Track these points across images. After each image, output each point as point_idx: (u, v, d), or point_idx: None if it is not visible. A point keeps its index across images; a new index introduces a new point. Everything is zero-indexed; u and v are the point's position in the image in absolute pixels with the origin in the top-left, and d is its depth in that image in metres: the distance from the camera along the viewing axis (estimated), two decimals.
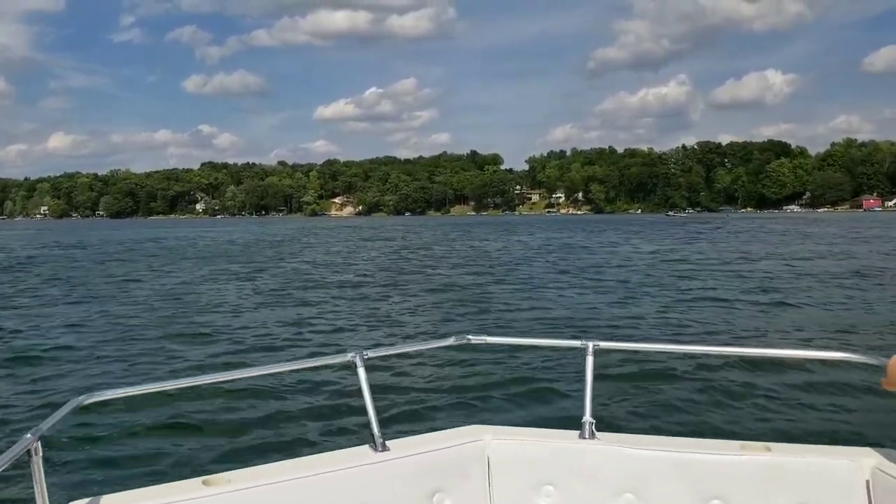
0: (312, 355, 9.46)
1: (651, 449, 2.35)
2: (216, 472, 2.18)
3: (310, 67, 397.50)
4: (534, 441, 2.47)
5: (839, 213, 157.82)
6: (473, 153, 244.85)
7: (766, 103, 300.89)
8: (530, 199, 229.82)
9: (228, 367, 10.15)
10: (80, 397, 2.04)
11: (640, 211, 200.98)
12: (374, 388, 2.45)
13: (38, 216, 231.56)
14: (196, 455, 6.88)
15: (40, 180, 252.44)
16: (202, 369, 9.80)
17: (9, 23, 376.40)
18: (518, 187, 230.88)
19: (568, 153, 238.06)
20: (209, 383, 2.54)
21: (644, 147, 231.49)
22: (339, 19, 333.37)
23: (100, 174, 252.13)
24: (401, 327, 14.96)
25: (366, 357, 2.50)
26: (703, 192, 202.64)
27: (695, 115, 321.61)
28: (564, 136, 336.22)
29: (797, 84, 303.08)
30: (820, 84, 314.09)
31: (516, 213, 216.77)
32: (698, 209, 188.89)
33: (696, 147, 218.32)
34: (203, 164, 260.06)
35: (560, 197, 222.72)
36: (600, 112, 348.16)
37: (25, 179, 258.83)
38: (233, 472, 2.19)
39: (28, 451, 1.70)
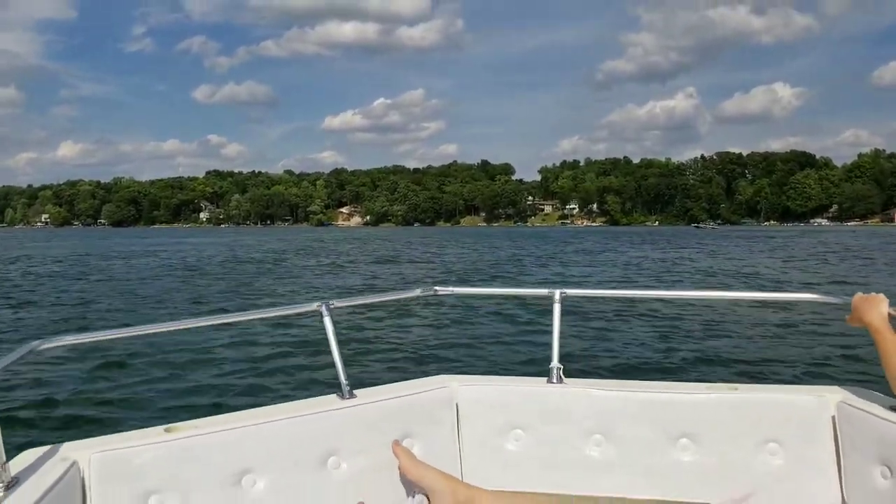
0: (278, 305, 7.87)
1: (619, 390, 2.36)
2: (179, 421, 2.13)
3: (318, 78, 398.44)
4: (501, 387, 2.46)
5: (872, 226, 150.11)
6: (484, 163, 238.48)
7: (773, 116, 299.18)
8: (542, 210, 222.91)
9: (193, 315, 9.70)
10: (35, 342, 1.99)
11: (657, 223, 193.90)
12: (341, 339, 2.43)
13: (38, 224, 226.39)
14: (158, 402, 6.70)
15: (43, 188, 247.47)
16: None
17: (21, 31, 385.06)
18: (530, 198, 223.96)
19: (581, 163, 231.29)
20: (171, 330, 2.42)
21: (660, 158, 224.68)
22: (347, 30, 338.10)
23: (102, 182, 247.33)
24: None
25: (332, 305, 2.47)
26: (723, 203, 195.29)
27: (703, 128, 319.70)
28: (572, 147, 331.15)
29: (805, 97, 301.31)
30: (828, 97, 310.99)
31: (528, 224, 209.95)
32: (718, 222, 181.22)
33: (714, 157, 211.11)
34: (208, 173, 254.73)
35: (574, 208, 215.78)
36: (608, 124, 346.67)
37: (28, 187, 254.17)
38: (197, 420, 2.14)
39: None
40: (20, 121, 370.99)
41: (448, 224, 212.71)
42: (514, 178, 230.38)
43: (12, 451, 1.77)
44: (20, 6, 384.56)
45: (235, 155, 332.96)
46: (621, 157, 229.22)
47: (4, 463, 1.69)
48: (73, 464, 1.83)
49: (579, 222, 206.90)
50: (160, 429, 2.05)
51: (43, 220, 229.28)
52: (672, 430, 2.27)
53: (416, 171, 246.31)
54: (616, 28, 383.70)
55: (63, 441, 1.98)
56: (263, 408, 2.28)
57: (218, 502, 1.98)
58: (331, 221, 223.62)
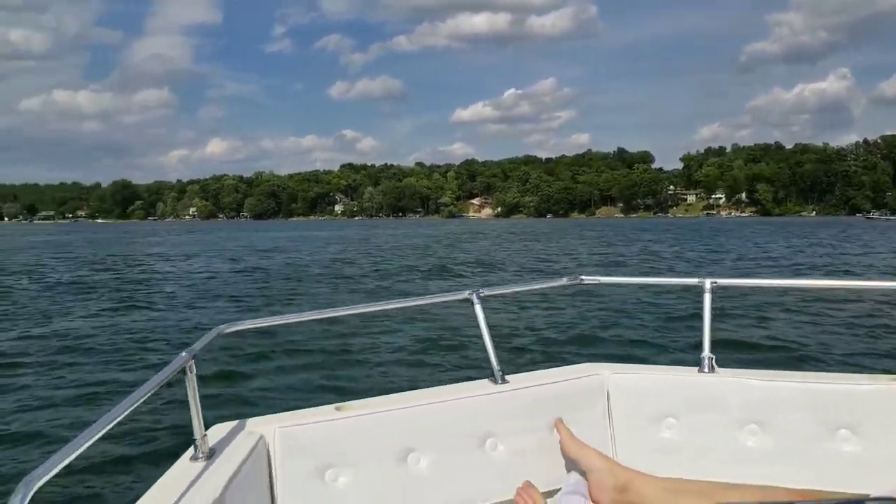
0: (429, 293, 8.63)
1: (774, 380, 2.31)
2: (346, 400, 2.30)
3: (448, 70, 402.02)
4: (652, 376, 2.47)
5: None
6: (621, 151, 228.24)
7: None
8: (685, 199, 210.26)
9: (355, 302, 11.06)
10: (223, 325, 2.21)
11: (814, 213, 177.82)
12: (491, 327, 2.49)
13: (186, 217, 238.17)
14: (328, 383, 7.28)
15: (191, 182, 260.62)
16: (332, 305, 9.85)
17: (172, 35, 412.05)
18: (671, 188, 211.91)
19: (728, 150, 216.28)
20: (337, 316, 2.64)
21: (815, 143, 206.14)
22: (478, 22, 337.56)
23: (245, 176, 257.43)
24: None
25: (482, 294, 2.55)
26: (889, 192, 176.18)
27: (857, 111, 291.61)
28: (712, 134, 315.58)
29: None
30: None
31: (670, 215, 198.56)
32: (885, 211, 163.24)
33: (879, 141, 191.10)
34: (342, 166, 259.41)
35: (720, 198, 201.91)
36: (751, 109, 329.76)
37: (178, 182, 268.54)
38: (364, 399, 2.31)
39: (183, 369, 1.86)
40: (172, 121, 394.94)
41: (583, 215, 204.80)
42: (652, 166, 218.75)
43: (208, 426, 1.96)
44: (172, 13, 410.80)
45: (369, 149, 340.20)
46: (772, 143, 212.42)
47: (204, 436, 1.88)
48: (261, 438, 2.02)
49: (725, 213, 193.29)
50: (331, 407, 2.22)
51: (191, 213, 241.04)
52: (831, 420, 2.21)
53: (548, 160, 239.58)
54: (760, 8, 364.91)
55: (247, 417, 2.16)
56: (423, 390, 2.41)
57: (386, 478, 2.12)
58: (461, 213, 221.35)
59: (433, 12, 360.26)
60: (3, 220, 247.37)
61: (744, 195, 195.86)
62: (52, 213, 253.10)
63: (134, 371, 8.62)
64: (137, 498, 1.66)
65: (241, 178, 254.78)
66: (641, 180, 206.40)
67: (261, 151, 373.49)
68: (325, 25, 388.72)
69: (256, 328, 2.44)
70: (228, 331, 2.23)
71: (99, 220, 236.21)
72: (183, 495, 1.66)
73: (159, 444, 5.56)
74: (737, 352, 7.60)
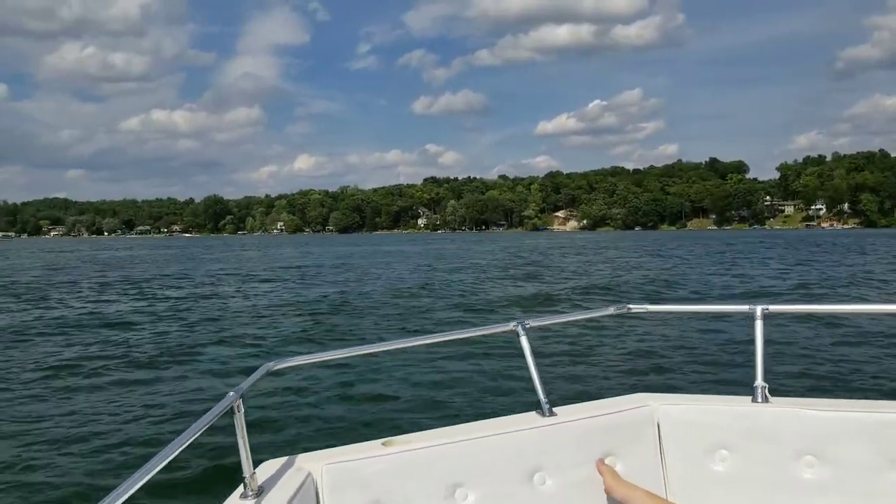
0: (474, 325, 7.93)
1: (831, 410, 2.22)
2: (393, 434, 2.30)
3: (531, 83, 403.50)
4: (704, 406, 2.40)
5: None
6: (713, 161, 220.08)
7: None
8: (783, 211, 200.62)
9: (401, 336, 10.84)
10: (271, 363, 2.22)
11: None
12: (537, 355, 2.48)
13: (274, 231, 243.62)
14: (374, 417, 7.38)
15: (279, 197, 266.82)
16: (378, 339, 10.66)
17: (262, 55, 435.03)
18: (767, 198, 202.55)
19: (828, 158, 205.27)
20: (383, 350, 2.63)
21: None
22: (562, 33, 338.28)
23: (330, 191, 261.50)
24: None
25: (527, 325, 2.53)
26: None
27: None
28: (809, 143, 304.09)
29: None
30: None
31: (766, 226, 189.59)
32: None
33: None
34: (425, 180, 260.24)
35: (820, 209, 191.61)
36: (850, 116, 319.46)
37: (266, 196, 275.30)
38: (410, 434, 2.30)
39: (231, 408, 1.88)
40: (262, 138, 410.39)
41: (673, 227, 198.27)
42: (746, 176, 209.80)
43: (256, 463, 1.99)
44: (262, 34, 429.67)
45: (452, 162, 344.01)
46: (875, 151, 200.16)
47: (252, 474, 1.90)
48: (308, 475, 2.04)
49: (826, 224, 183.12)
50: (378, 442, 2.21)
51: (278, 227, 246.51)
52: (891, 451, 2.13)
53: (635, 172, 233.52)
54: (858, 11, 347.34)
55: (294, 451, 2.20)
56: (468, 424, 2.38)
57: None
58: (546, 226, 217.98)
59: (515, 25, 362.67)
60: (104, 234, 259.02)
61: (846, 206, 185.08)
62: (147, 227, 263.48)
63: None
64: None
65: (326, 192, 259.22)
66: (736, 191, 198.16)
67: (346, 166, 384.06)
68: (409, 42, 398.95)
69: (304, 364, 2.45)
70: (277, 367, 2.24)
71: (190, 235, 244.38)
72: None
73: (210, 483, 5.68)
74: (791, 380, 7.38)
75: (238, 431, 1.88)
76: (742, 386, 2.40)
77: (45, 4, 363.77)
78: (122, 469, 6.18)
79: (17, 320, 16.93)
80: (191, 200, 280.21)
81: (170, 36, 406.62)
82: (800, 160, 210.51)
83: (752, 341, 2.41)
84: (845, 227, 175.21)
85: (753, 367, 2.38)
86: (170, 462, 1.54)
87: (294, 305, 19.45)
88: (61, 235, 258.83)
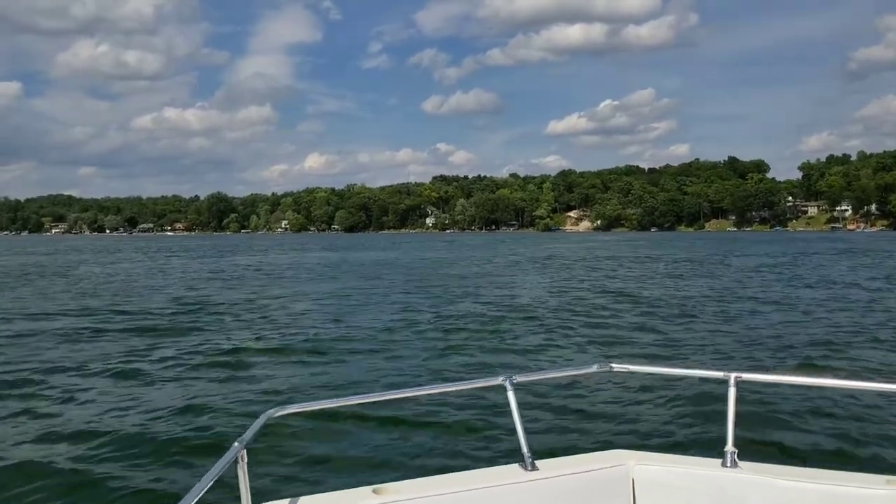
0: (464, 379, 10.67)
1: (794, 479, 2.34)
2: (381, 482, 2.44)
3: (542, 83, 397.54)
4: (677, 467, 2.53)
5: None
6: (732, 160, 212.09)
7: None
8: (805, 212, 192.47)
9: (391, 388, 11.02)
10: (271, 410, 2.39)
11: None
12: (521, 406, 2.62)
13: (279, 230, 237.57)
14: (364, 464, 7.71)
15: (285, 195, 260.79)
16: (371, 388, 11.09)
17: (274, 54, 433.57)
18: (790, 199, 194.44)
19: (853, 157, 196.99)
20: (378, 400, 2.91)
21: None
22: (573, 33, 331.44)
23: (336, 189, 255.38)
24: None
25: (514, 381, 2.67)
26: None
27: None
28: (821, 144, 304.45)
29: None
30: None
31: (789, 228, 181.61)
32: None
33: None
34: (434, 178, 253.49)
35: (846, 210, 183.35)
36: (862, 118, 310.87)
37: (272, 194, 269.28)
38: (399, 482, 2.42)
39: (236, 459, 1.97)
40: (274, 136, 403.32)
41: (691, 228, 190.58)
42: (767, 175, 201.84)
43: None
44: (274, 33, 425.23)
45: (463, 162, 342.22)
46: None
47: None
48: None
49: (853, 226, 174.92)
50: (369, 489, 2.34)
51: (283, 226, 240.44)
52: None
53: (651, 171, 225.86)
54: (870, 12, 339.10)
55: (288, 496, 2.33)
56: (456, 474, 2.54)
57: None
58: (558, 226, 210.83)
59: (527, 25, 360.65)
60: (105, 231, 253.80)
61: (874, 206, 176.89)
62: (150, 225, 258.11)
63: None
64: None
65: (332, 190, 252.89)
66: (757, 191, 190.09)
67: (357, 165, 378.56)
68: (421, 41, 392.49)
69: (302, 412, 2.62)
70: (277, 415, 2.37)
71: (193, 233, 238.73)
72: None
73: None
74: (760, 445, 7.59)
75: (241, 480, 1.98)
76: (714, 447, 2.51)
77: (59, 2, 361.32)
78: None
79: None
80: (196, 198, 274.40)
81: (183, 35, 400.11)
82: (813, 160, 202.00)
83: (724, 406, 2.54)
84: (873, 229, 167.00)
85: (725, 432, 2.49)
86: None
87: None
88: (62, 233, 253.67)
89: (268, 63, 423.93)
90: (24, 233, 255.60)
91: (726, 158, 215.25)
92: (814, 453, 7.71)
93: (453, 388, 3.23)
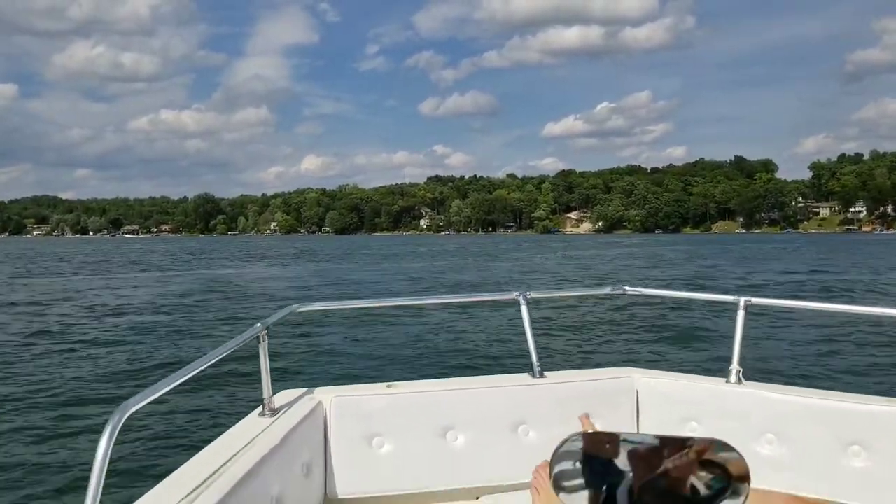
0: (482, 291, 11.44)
1: (795, 395, 2.43)
2: (397, 379, 2.60)
3: (539, 85, 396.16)
4: (681, 382, 2.61)
5: None
6: (739, 159, 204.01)
7: None
8: (817, 213, 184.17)
9: (413, 294, 12.93)
10: (295, 305, 2.55)
11: None
12: (534, 325, 2.70)
13: (267, 232, 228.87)
14: (382, 363, 8.10)
15: (274, 196, 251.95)
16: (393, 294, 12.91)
17: (272, 56, 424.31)
18: (800, 199, 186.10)
19: (865, 156, 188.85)
20: (399, 305, 3.02)
21: None
22: (570, 35, 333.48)
23: (328, 189, 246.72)
24: None
25: (528, 296, 2.77)
26: None
27: None
28: (817, 146, 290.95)
29: None
30: None
31: (800, 230, 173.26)
32: None
33: None
34: (429, 178, 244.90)
35: (860, 211, 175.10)
36: (858, 120, 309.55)
37: (262, 195, 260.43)
38: (412, 381, 2.61)
39: (257, 337, 2.15)
40: (271, 138, 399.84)
41: (697, 230, 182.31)
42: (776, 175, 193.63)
43: (275, 389, 2.32)
44: (271, 35, 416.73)
45: (460, 164, 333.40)
46: None
47: (271, 397, 2.23)
48: (319, 403, 2.35)
49: (868, 228, 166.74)
50: (383, 385, 2.51)
51: (272, 227, 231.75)
52: (845, 436, 2.31)
53: (654, 171, 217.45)
54: (868, 14, 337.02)
55: (311, 385, 2.50)
56: (466, 377, 2.69)
57: (426, 449, 2.40)
58: (557, 228, 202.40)
59: (524, 27, 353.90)
60: (89, 233, 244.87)
61: (889, 207, 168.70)
62: (136, 227, 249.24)
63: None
64: (210, 441, 1.96)
65: (323, 191, 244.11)
66: (766, 191, 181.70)
67: (354, 167, 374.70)
68: (418, 43, 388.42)
69: (325, 309, 2.78)
70: (301, 310, 2.53)
71: (180, 235, 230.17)
72: (249, 443, 1.95)
73: (234, 400, 6.42)
74: (767, 366, 7.56)
75: (262, 358, 2.15)
76: (723, 368, 2.57)
77: (55, 4, 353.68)
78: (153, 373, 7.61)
79: None
80: (184, 199, 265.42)
81: (180, 36, 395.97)
82: (835, 158, 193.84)
83: (733, 328, 2.59)
84: (889, 231, 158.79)
85: (731, 351, 2.56)
86: (202, 376, 1.87)
87: None
88: (44, 235, 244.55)
89: (265, 65, 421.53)
90: (4, 235, 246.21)
91: (732, 158, 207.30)
92: (818, 376, 7.66)
93: (469, 300, 3.41)
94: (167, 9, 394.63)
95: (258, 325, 2.20)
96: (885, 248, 64.40)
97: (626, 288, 2.97)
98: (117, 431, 1.40)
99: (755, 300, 2.66)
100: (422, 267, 39.35)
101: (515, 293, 2.76)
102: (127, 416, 1.45)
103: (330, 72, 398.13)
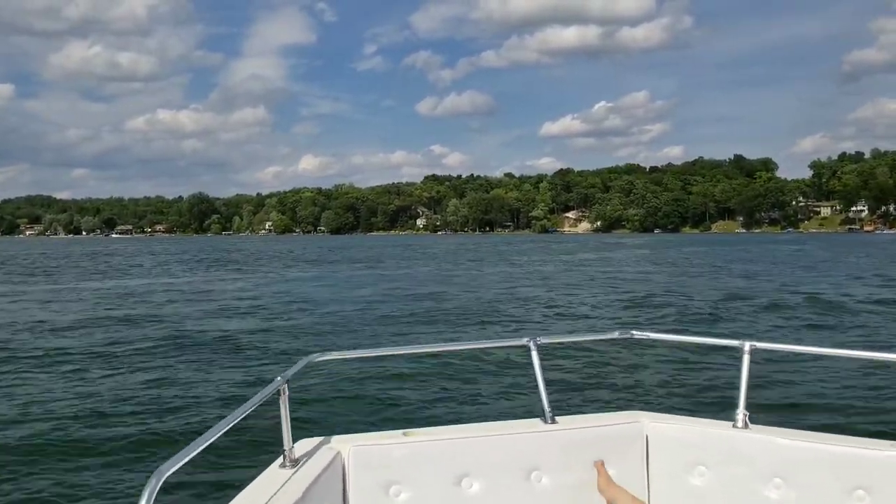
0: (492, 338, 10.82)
1: (801, 440, 2.46)
2: (412, 427, 2.66)
3: (536, 84, 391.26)
4: (689, 426, 2.65)
5: None
6: (738, 158, 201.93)
7: None
8: (818, 212, 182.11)
9: (428, 341, 12.38)
10: (314, 355, 2.61)
11: None
12: (544, 370, 2.76)
13: (262, 232, 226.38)
14: (398, 410, 8.30)
15: (270, 195, 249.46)
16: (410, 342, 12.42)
17: (269, 56, 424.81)
18: (800, 199, 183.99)
19: (866, 155, 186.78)
20: (411, 353, 3.14)
21: None
22: (568, 35, 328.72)
23: (323, 188, 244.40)
24: None
25: (539, 342, 2.83)
26: None
27: None
28: (813, 146, 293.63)
29: None
30: None
31: (801, 230, 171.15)
32: None
33: None
34: (426, 178, 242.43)
35: (862, 210, 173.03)
36: (855, 120, 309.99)
37: (257, 195, 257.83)
38: (427, 428, 2.67)
39: (278, 391, 2.20)
40: (268, 138, 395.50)
41: (697, 230, 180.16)
42: (776, 174, 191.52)
43: (294, 437, 2.34)
44: (268, 35, 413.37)
45: (457, 164, 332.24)
46: None
47: (291, 448, 2.28)
48: (338, 454, 2.38)
49: (870, 228, 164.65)
50: (399, 432, 2.57)
51: (267, 227, 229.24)
52: (850, 482, 2.34)
53: (653, 170, 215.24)
54: (865, 14, 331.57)
55: (328, 434, 2.54)
56: (480, 423, 2.76)
57: (442, 497, 2.44)
58: (555, 228, 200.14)
59: (521, 26, 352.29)
60: (82, 233, 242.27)
61: (892, 207, 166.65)
62: (129, 227, 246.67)
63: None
64: (234, 496, 2.01)
65: (319, 190, 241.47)
66: (766, 190, 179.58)
67: (351, 167, 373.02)
68: (416, 43, 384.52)
69: (342, 359, 2.92)
70: (318, 359, 2.61)
71: (174, 235, 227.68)
72: (272, 497, 2.00)
73: (255, 453, 6.44)
74: (772, 411, 7.79)
75: (282, 410, 2.20)
76: (728, 411, 2.62)
77: (52, 3, 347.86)
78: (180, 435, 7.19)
79: None
80: (179, 199, 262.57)
81: (177, 36, 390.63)
82: (835, 157, 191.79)
83: (739, 373, 2.65)
84: (891, 231, 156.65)
85: (737, 396, 2.60)
86: (224, 434, 1.82)
87: None
88: (37, 235, 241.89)
89: (262, 65, 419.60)
90: None
91: (731, 157, 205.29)
92: (824, 421, 7.66)
93: (481, 346, 3.38)
94: (164, 9, 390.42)
95: (278, 378, 2.24)
96: None
97: (634, 332, 3.02)
98: (153, 498, 1.44)
99: (759, 344, 2.70)
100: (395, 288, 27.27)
101: (526, 339, 2.81)
102: (162, 481, 1.49)
103: (327, 72, 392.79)
